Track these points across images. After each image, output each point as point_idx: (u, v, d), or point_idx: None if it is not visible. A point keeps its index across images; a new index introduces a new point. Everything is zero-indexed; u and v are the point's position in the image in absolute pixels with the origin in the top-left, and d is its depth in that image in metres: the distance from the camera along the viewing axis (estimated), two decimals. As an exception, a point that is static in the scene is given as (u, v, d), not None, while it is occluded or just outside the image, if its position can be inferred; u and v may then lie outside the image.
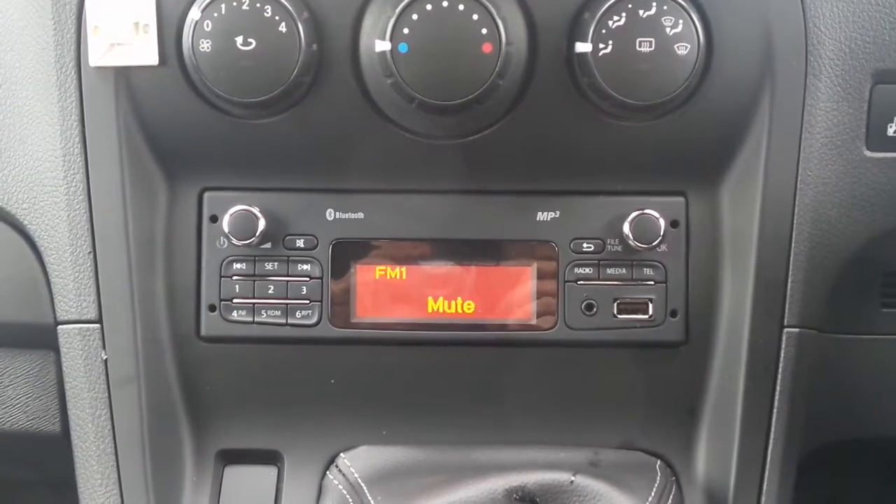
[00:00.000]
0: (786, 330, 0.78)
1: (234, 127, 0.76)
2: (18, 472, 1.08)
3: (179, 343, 0.81)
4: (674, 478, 0.79)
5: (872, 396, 0.86)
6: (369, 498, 0.75)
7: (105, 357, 0.80)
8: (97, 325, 0.79)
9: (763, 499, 0.78)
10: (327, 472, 0.80)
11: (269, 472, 0.82)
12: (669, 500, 0.76)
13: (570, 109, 0.75)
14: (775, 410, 0.78)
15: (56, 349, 0.82)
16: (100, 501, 0.79)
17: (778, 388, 0.78)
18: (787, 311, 0.78)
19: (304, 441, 0.82)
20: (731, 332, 0.79)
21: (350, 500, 0.76)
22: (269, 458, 0.83)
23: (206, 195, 0.80)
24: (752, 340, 0.78)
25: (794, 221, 0.77)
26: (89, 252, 0.78)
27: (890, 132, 0.77)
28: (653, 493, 0.75)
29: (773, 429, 0.78)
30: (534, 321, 0.79)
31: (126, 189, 0.78)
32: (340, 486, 0.78)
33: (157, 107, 0.77)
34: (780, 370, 0.78)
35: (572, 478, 0.75)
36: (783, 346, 0.78)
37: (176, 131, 0.78)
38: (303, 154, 0.78)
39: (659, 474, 0.78)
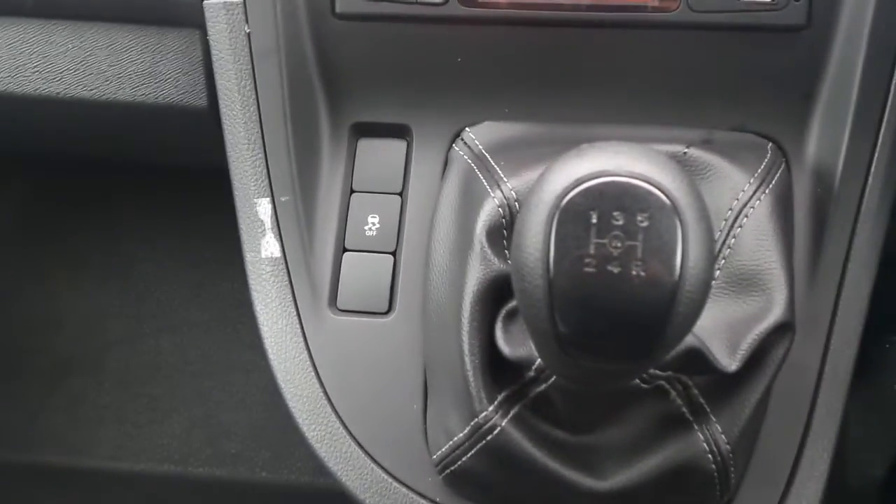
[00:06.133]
0: None
1: None
2: (169, 152, 1.18)
3: (315, 19, 0.85)
4: (784, 158, 0.82)
5: None
6: (492, 163, 0.81)
7: (248, 31, 0.85)
8: (241, 0, 0.85)
9: (870, 179, 0.81)
10: (453, 145, 0.86)
11: (400, 145, 0.89)
12: (778, 175, 0.79)
13: None
14: (892, 93, 0.80)
15: (202, 27, 0.88)
16: (247, 165, 0.86)
17: None
18: None
19: (432, 117, 0.87)
20: (853, 17, 0.79)
21: (474, 167, 0.82)
22: (399, 132, 0.88)
23: None
24: (873, 25, 0.79)
25: None
26: None
27: None
28: (762, 167, 0.79)
29: (887, 110, 0.80)
30: (657, 2, 0.80)
31: None
32: (466, 157, 0.83)
33: None
34: None
35: (686, 150, 0.79)
36: None
37: None
38: None
39: (770, 153, 0.81)
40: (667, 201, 0.53)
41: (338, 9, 0.85)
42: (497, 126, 0.86)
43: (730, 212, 0.76)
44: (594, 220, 0.54)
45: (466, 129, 0.86)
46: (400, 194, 0.88)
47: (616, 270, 0.53)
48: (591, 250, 0.54)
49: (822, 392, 0.80)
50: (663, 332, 0.54)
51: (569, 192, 0.54)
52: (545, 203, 0.55)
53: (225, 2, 0.86)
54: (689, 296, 0.54)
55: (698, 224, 0.54)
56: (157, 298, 1.65)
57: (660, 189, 0.54)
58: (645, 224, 0.53)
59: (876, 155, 0.81)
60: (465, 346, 0.74)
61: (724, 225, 0.76)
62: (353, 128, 0.89)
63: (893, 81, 0.80)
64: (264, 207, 0.86)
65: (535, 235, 0.55)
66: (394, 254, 0.86)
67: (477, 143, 0.84)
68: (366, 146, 0.89)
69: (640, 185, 0.53)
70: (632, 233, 0.53)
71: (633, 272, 0.53)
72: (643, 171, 0.54)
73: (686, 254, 0.53)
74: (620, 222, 0.53)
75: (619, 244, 0.53)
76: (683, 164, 0.78)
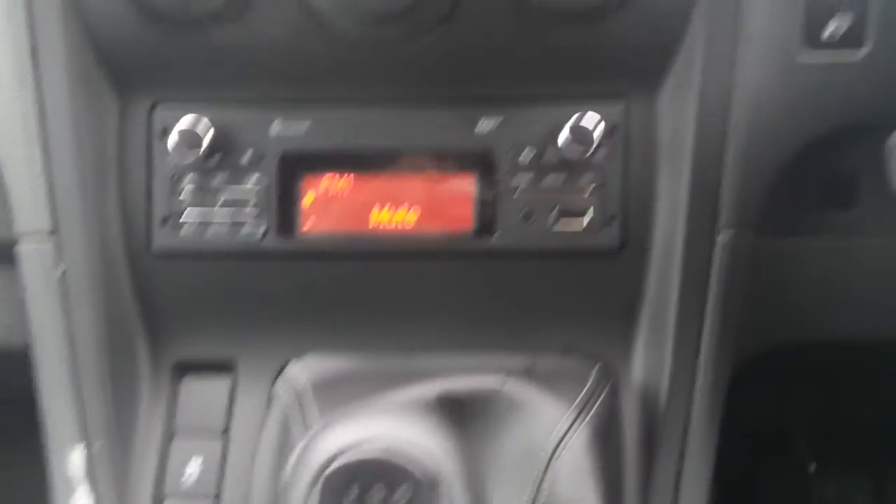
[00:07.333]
0: (720, 233, 0.79)
1: (177, 39, 0.78)
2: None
3: (132, 257, 0.83)
4: (609, 382, 0.80)
5: (809, 300, 0.86)
6: (309, 404, 0.77)
7: (62, 271, 0.83)
8: (53, 239, 0.82)
9: (695, 404, 0.80)
10: (276, 382, 0.83)
11: (224, 383, 0.85)
12: (599, 402, 0.77)
13: (506, 16, 0.76)
14: (708, 314, 0.79)
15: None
16: (62, 413, 0.82)
17: (711, 291, 0.79)
18: (721, 214, 0.78)
19: (257, 350, 0.85)
20: (666, 237, 0.80)
21: (293, 407, 0.78)
22: (223, 367, 0.85)
23: (157, 109, 0.82)
24: (686, 244, 0.79)
25: (730, 124, 0.77)
26: (43, 168, 0.81)
27: (825, 36, 0.76)
28: (581, 396, 0.77)
29: (704, 332, 0.79)
30: (473, 231, 0.80)
31: (77, 107, 0.80)
32: (286, 395, 0.80)
33: (105, 24, 0.79)
34: (713, 273, 0.79)
35: (504, 383, 0.77)
36: (717, 249, 0.79)
37: (123, 45, 0.79)
38: (248, 65, 0.80)
39: (592, 377, 0.79)
40: (426, 473, 0.50)
41: (155, 246, 0.83)
42: (321, 360, 0.83)
43: (543, 452, 0.73)
44: (354, 496, 0.50)
45: (290, 363, 0.83)
46: (224, 433, 0.83)
47: None
48: None
49: None
50: None
51: (328, 465, 0.51)
52: (307, 476, 0.52)
53: (38, 242, 0.83)
54: None
55: (464, 494, 0.51)
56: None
57: (419, 460, 0.51)
58: (406, 498, 0.50)
59: (700, 374, 0.80)
60: None
61: (540, 463, 0.73)
62: (175, 366, 0.85)
63: (709, 298, 0.80)
64: (76, 459, 0.81)
65: None
66: (216, 499, 0.81)
67: (298, 379, 0.81)
68: (189, 385, 0.85)
69: (397, 459, 0.51)
70: None
71: None
72: (403, 441, 0.51)
73: None
74: (381, 496, 0.50)
75: None
76: (498, 402, 0.76)
